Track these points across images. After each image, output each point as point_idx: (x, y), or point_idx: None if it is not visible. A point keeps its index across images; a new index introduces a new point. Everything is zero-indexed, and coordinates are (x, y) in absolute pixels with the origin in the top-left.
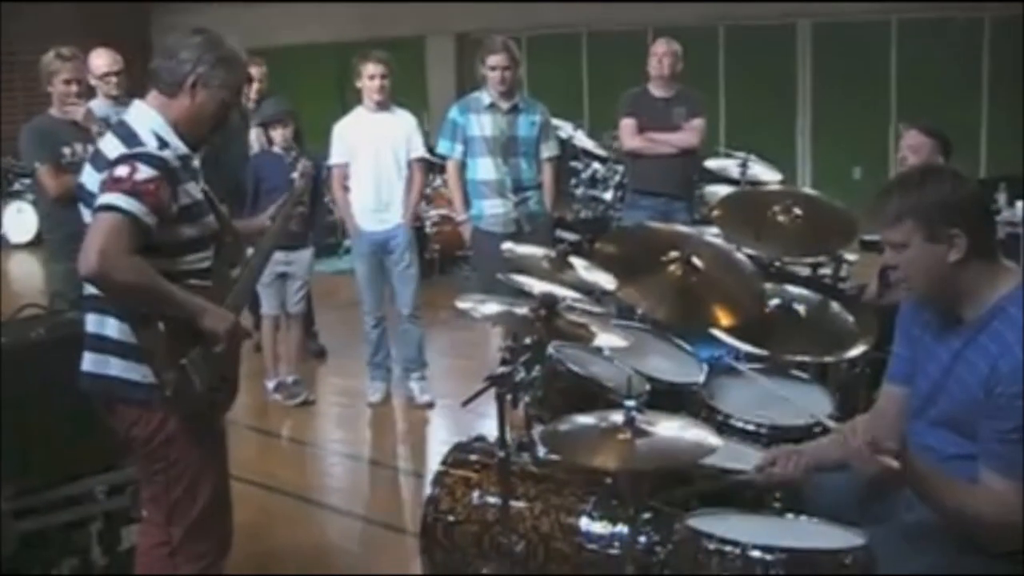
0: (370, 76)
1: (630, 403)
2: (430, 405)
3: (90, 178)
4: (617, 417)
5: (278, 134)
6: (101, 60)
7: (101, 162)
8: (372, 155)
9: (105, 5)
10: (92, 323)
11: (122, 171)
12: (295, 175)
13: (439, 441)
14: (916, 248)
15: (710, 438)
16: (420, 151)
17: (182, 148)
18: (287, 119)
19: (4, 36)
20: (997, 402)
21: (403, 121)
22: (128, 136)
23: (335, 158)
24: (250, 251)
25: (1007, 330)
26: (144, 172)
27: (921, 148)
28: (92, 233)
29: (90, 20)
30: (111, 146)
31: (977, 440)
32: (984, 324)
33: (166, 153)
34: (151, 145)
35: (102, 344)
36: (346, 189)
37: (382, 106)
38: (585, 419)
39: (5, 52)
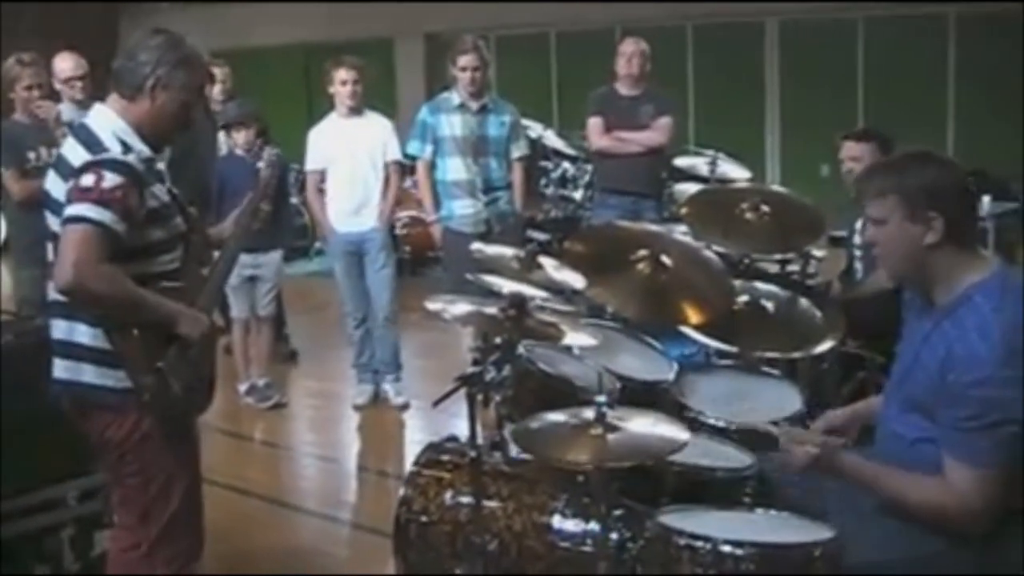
0: (342, 81)
1: (601, 398)
2: (405, 407)
3: (55, 184)
4: (588, 413)
5: (240, 136)
6: (65, 64)
7: (65, 168)
8: (348, 161)
9: (72, 5)
10: (61, 330)
11: (88, 180)
12: (260, 164)
13: (412, 442)
14: (894, 226)
15: (681, 433)
16: (396, 154)
17: (146, 151)
18: (249, 121)
19: None
20: (952, 389)
21: (378, 125)
22: (91, 142)
23: (311, 164)
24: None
25: (968, 317)
26: (111, 179)
27: (862, 155)
28: (64, 246)
29: (57, 21)
30: (74, 152)
31: (938, 426)
32: (951, 310)
33: (130, 157)
34: (115, 150)
35: (74, 350)
36: (321, 192)
37: (355, 111)
38: (556, 416)
39: None
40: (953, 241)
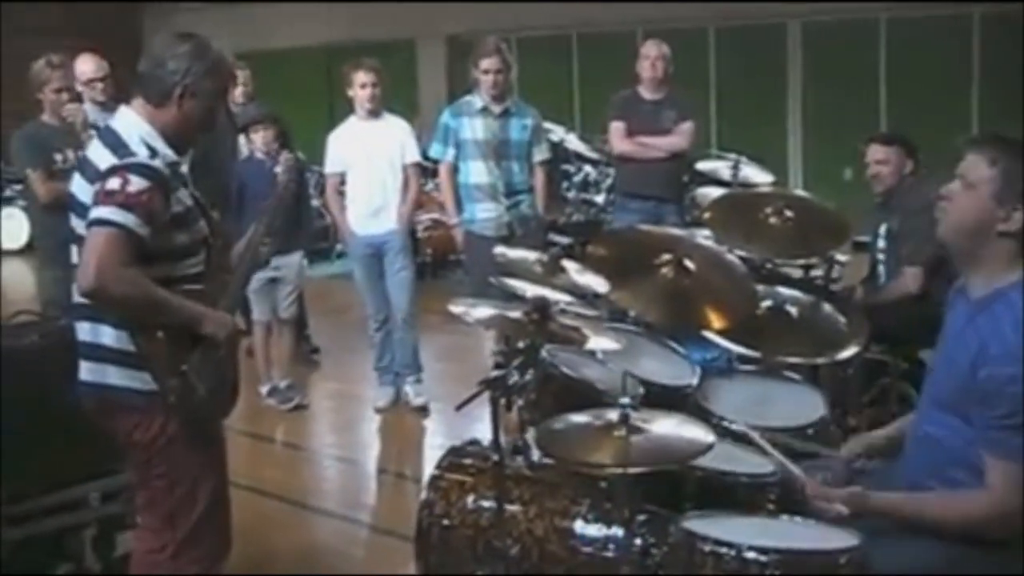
0: (361, 85)
1: (625, 400)
2: (424, 409)
3: (79, 187)
4: (612, 415)
5: (259, 137)
6: (87, 66)
7: (90, 171)
8: (367, 163)
9: (95, 5)
10: (86, 332)
11: (114, 183)
12: (278, 169)
13: (433, 445)
14: (979, 195)
15: (706, 435)
16: (415, 156)
17: (171, 155)
18: (267, 122)
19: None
20: (986, 386)
21: (396, 127)
22: (117, 145)
23: (330, 167)
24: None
25: (1004, 314)
26: (136, 183)
27: (888, 158)
28: (88, 249)
29: (80, 20)
30: (100, 155)
31: (974, 427)
32: (985, 306)
33: (156, 162)
34: (141, 154)
35: (99, 352)
36: (341, 195)
37: (374, 114)
38: (580, 417)
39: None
40: (1018, 238)
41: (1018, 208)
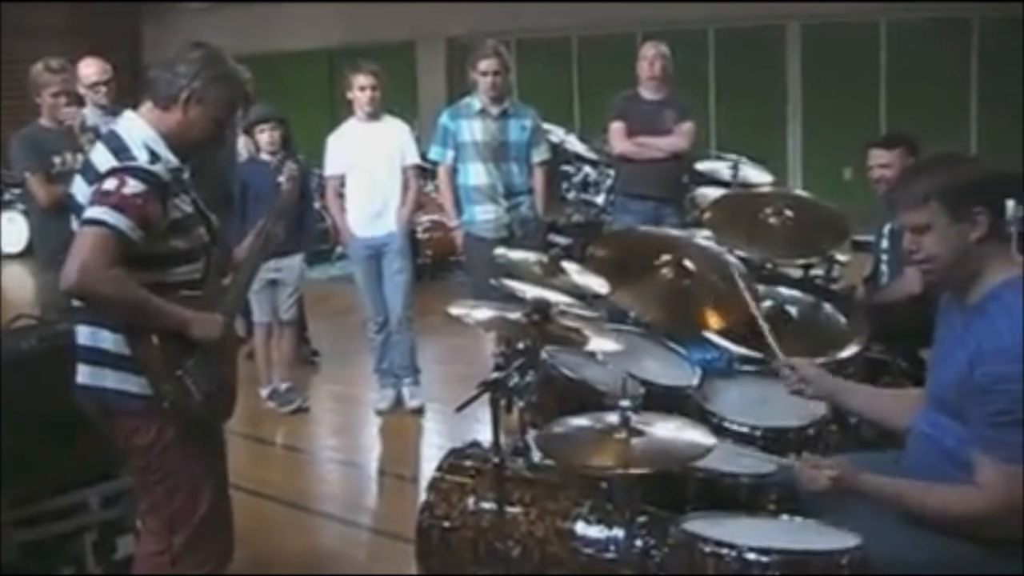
0: (360, 87)
1: (625, 403)
2: (419, 410)
3: (80, 189)
4: (612, 418)
5: (264, 137)
6: (90, 70)
7: (91, 173)
8: (367, 165)
9: (95, 8)
10: (85, 335)
11: (111, 184)
12: (282, 179)
13: (434, 447)
14: (939, 230)
15: (706, 438)
16: (414, 159)
17: (173, 161)
18: (274, 122)
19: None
20: (981, 384)
21: (396, 130)
22: (119, 148)
23: (330, 170)
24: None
25: (999, 314)
26: (133, 186)
27: (890, 161)
28: (75, 247)
29: (78, 24)
30: (101, 158)
31: (968, 426)
32: (981, 308)
33: (157, 167)
34: (142, 159)
35: (97, 356)
36: (341, 197)
37: (373, 116)
38: (580, 421)
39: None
40: (995, 234)
41: (976, 211)
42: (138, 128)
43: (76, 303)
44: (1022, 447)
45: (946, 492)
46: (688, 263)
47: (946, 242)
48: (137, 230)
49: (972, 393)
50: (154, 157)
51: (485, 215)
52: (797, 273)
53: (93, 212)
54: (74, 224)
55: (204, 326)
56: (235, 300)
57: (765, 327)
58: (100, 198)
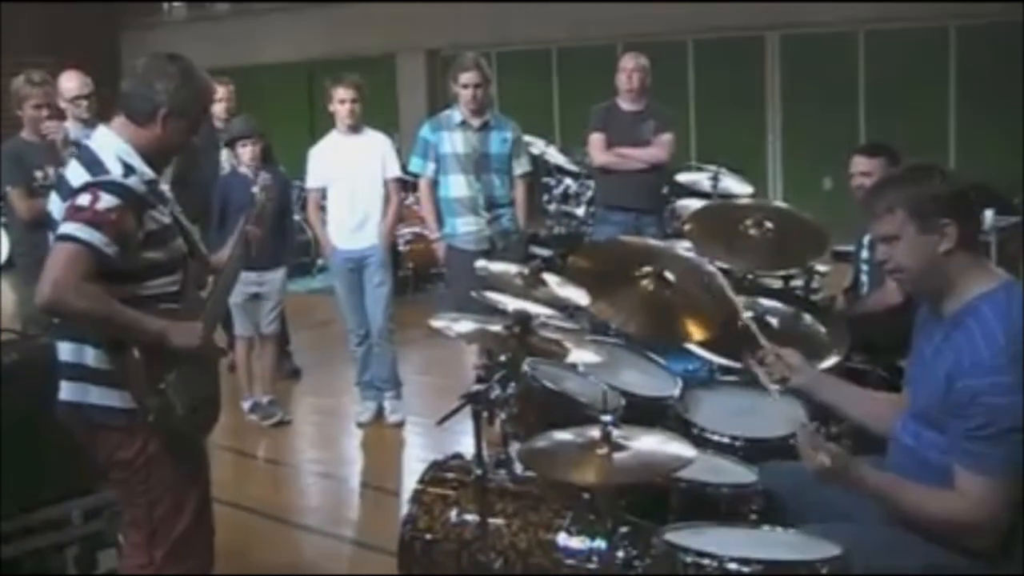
0: (340, 100)
1: (607, 418)
2: (400, 424)
3: (55, 206)
4: (594, 432)
5: (246, 151)
6: (71, 83)
7: (66, 189)
8: (348, 178)
9: (75, 20)
10: (68, 352)
11: (84, 200)
12: (255, 188)
13: (416, 459)
14: (908, 240)
15: (687, 450)
16: (395, 171)
17: (148, 173)
18: (254, 136)
19: None
20: (959, 398)
21: (376, 143)
22: (92, 163)
23: (311, 183)
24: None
25: (976, 326)
26: (106, 201)
27: (872, 170)
28: (49, 263)
29: (58, 38)
30: (76, 173)
31: (947, 438)
32: (959, 321)
33: (131, 180)
34: (116, 172)
35: (80, 372)
36: (322, 209)
37: (354, 129)
38: (562, 435)
39: None
40: (965, 247)
41: (944, 223)
42: (111, 141)
43: (55, 320)
44: (1000, 460)
45: (939, 496)
46: (669, 274)
47: (915, 253)
48: (111, 245)
49: (951, 407)
50: (128, 170)
51: (466, 227)
52: (777, 284)
53: (67, 228)
54: (51, 239)
55: (183, 334)
56: (215, 308)
57: (751, 323)
58: (74, 214)
